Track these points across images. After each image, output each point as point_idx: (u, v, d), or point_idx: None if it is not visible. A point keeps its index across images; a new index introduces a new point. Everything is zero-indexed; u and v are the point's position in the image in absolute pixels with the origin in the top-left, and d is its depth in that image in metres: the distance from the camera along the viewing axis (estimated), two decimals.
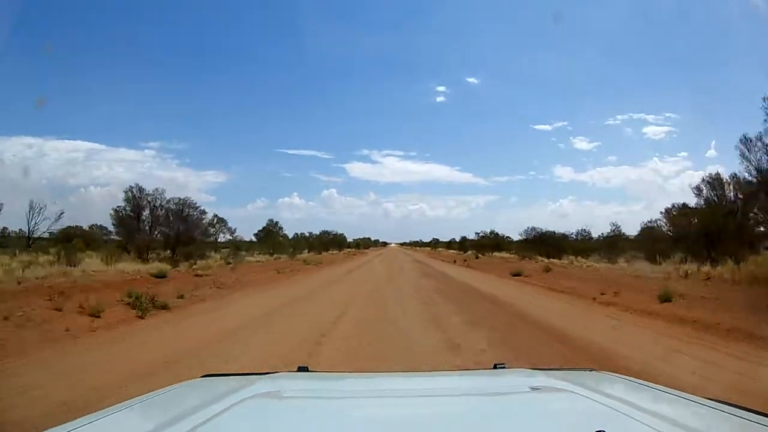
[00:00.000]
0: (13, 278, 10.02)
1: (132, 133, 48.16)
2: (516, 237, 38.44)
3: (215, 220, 30.36)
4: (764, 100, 13.26)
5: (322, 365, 4.61)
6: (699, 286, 12.00)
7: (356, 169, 70.33)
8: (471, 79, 51.94)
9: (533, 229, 30.10)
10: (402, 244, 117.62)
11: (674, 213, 23.65)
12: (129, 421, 1.09)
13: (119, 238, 22.68)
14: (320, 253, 40.15)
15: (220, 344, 5.89)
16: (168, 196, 21.92)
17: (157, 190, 21.79)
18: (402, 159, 68.34)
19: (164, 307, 9.04)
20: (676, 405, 1.15)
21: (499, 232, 40.09)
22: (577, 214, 48.90)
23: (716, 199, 17.89)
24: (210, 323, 7.73)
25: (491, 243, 38.91)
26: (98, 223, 24.13)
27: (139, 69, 43.77)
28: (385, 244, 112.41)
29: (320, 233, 47.88)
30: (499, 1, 45.11)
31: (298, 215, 56.54)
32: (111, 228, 23.32)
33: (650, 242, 23.19)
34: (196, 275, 14.63)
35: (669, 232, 23.17)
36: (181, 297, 10.29)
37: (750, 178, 15.44)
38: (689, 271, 13.10)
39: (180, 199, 21.84)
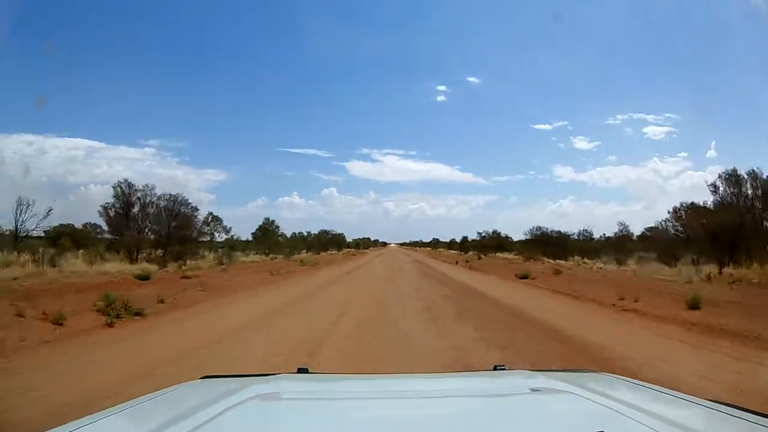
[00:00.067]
0: None
1: (132, 132, 48.01)
2: (517, 237, 37.90)
3: (210, 219, 29.49)
4: None
5: None
6: (725, 290, 11.11)
7: (356, 167, 70.06)
8: (471, 79, 51.71)
9: (538, 228, 29.18)
10: (402, 244, 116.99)
11: (682, 213, 22.85)
12: (129, 422, 1.09)
13: (111, 237, 21.85)
14: (318, 254, 39.28)
15: (187, 364, 4.97)
16: (169, 193, 21.04)
17: (147, 185, 20.81)
18: (402, 158, 67.85)
19: (139, 313, 8.13)
20: (676, 406, 1.15)
21: (501, 232, 39.26)
22: (576, 214, 48.71)
23: (733, 197, 17.00)
24: (183, 335, 6.79)
25: (493, 243, 38.01)
26: (92, 222, 23.17)
27: (139, 68, 43.97)
28: (384, 244, 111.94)
29: (319, 233, 47.14)
30: (499, 1, 45.03)
31: (298, 215, 56.06)
32: (106, 227, 22.46)
33: (661, 243, 22.35)
34: (184, 277, 13.72)
35: (677, 233, 22.43)
36: (161, 302, 9.38)
37: None
38: (712, 274, 12.21)
39: (171, 195, 20.85)
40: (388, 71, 52.99)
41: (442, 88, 54.60)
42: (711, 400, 1.12)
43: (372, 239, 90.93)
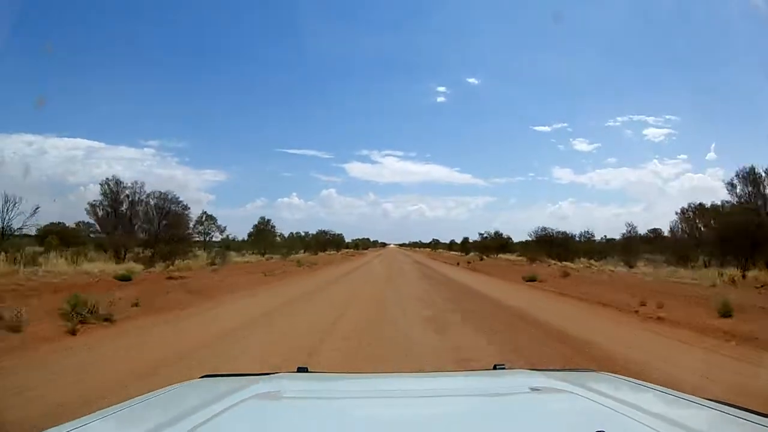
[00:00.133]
0: None
1: (132, 132, 47.97)
2: (516, 238, 37.24)
3: (204, 218, 28.65)
4: None
5: None
6: (752, 294, 10.29)
7: (356, 169, 69.51)
8: (471, 80, 51.28)
9: (543, 229, 28.30)
10: (401, 245, 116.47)
11: (690, 213, 22.04)
12: (128, 422, 1.07)
13: (100, 236, 21.02)
14: (316, 254, 38.43)
15: (137, 389, 4.06)
16: (159, 191, 20.17)
17: (136, 182, 19.95)
18: (402, 159, 67.15)
19: (108, 318, 7.27)
20: (676, 405, 1.14)
21: (503, 233, 38.42)
22: (576, 216, 48.39)
23: (751, 196, 16.16)
24: (146, 348, 5.88)
25: (495, 244, 37.15)
26: (85, 221, 22.28)
27: (139, 69, 43.68)
28: (384, 244, 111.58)
29: (317, 233, 46.35)
30: (499, 1, 44.66)
31: (297, 215, 55.61)
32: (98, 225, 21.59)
33: (670, 245, 21.52)
34: (169, 278, 12.85)
35: (686, 234, 21.62)
36: (136, 305, 8.52)
37: None
38: (735, 278, 11.35)
39: (161, 192, 19.97)
40: (388, 71, 52.82)
41: (441, 89, 54.08)
42: (712, 400, 1.10)
43: (371, 240, 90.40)
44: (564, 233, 28.00)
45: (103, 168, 38.94)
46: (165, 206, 19.84)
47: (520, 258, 29.54)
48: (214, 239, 29.17)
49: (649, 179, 44.13)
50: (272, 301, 10.70)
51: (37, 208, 16.07)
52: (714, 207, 19.60)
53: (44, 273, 11.42)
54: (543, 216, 72.85)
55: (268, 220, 33.51)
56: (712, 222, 20.01)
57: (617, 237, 28.04)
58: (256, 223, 32.87)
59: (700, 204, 21.45)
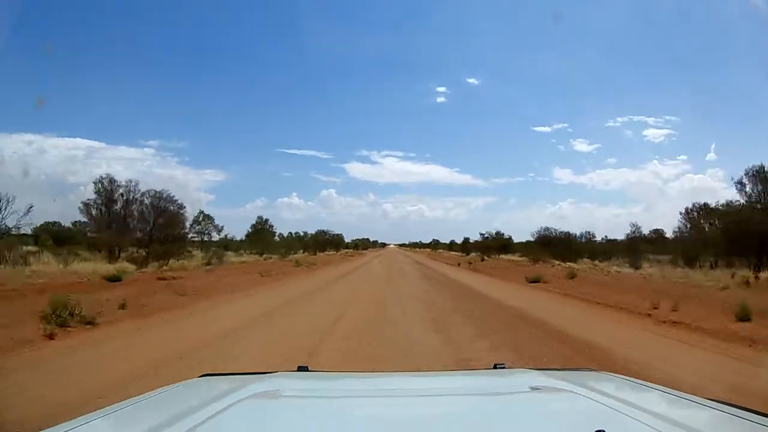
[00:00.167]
0: None
1: (132, 132, 48.31)
2: (516, 239, 36.91)
3: (201, 217, 28.23)
4: None
5: None
6: None
7: (356, 169, 69.38)
8: (471, 80, 51.10)
9: (546, 229, 27.90)
10: (401, 245, 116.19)
11: (695, 214, 21.63)
12: (128, 421, 1.06)
13: (95, 235, 20.60)
14: (315, 254, 38.02)
15: (113, 401, 3.63)
16: (154, 189, 19.72)
17: (130, 181, 19.51)
18: (401, 160, 66.94)
19: (91, 322, 6.84)
20: (676, 405, 1.13)
21: (504, 233, 38.00)
22: (576, 216, 48.23)
23: (761, 195, 15.74)
24: (131, 353, 5.45)
25: (497, 245, 36.72)
26: (81, 220, 21.85)
27: (139, 69, 43.74)
28: (384, 245, 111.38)
29: (316, 233, 46.01)
30: (499, 1, 44.45)
31: (297, 215, 55.41)
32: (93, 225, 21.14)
33: (676, 245, 21.12)
34: (161, 278, 12.42)
35: (690, 234, 21.20)
36: (123, 307, 8.08)
37: None
38: (748, 279, 10.93)
39: (156, 191, 19.53)
40: (387, 71, 52.87)
41: (441, 89, 53.95)
42: (712, 400, 1.09)
43: (371, 240, 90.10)
44: (566, 233, 27.62)
45: (103, 168, 39.45)
46: (160, 205, 19.41)
47: (522, 258, 29.11)
48: (212, 239, 28.84)
49: (649, 180, 44.07)
50: (271, 302, 10.29)
51: (30, 207, 15.60)
52: (721, 206, 19.22)
53: (30, 273, 10.98)
54: (543, 216, 72.70)
55: (266, 220, 33.17)
56: (717, 222, 19.68)
57: (618, 237, 27.82)
58: (254, 222, 32.43)
59: (705, 204, 21.10)
